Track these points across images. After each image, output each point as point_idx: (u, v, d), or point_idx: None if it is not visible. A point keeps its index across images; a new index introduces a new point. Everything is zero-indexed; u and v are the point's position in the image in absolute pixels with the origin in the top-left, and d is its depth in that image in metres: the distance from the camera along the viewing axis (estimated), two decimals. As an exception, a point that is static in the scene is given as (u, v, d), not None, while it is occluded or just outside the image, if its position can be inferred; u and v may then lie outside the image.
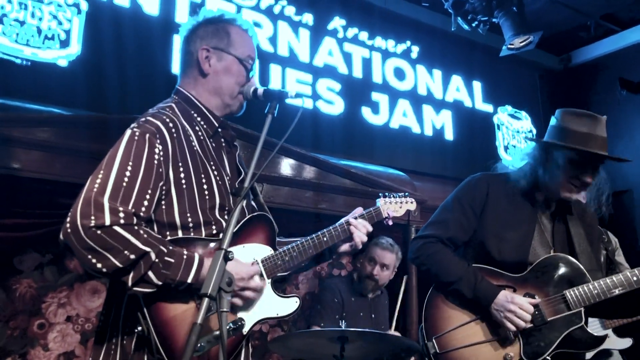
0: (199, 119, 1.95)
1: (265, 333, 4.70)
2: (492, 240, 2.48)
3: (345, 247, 2.15)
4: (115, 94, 4.12)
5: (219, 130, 2.00)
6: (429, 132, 6.15)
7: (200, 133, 1.93)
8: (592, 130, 2.37)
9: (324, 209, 4.52)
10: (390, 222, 2.25)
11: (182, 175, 1.81)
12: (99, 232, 1.56)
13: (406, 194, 2.34)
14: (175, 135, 1.82)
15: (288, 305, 1.95)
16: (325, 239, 2.07)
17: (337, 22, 5.76)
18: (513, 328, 2.32)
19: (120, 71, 4.22)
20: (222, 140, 2.02)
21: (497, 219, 2.49)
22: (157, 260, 1.63)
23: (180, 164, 1.81)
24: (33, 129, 3.48)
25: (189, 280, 1.66)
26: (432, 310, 2.48)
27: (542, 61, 7.34)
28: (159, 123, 1.79)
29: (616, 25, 6.63)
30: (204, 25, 2.01)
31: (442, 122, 6.30)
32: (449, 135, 6.32)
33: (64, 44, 4.08)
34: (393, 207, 2.27)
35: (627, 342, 3.95)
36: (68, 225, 1.56)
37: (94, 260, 1.56)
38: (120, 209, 1.61)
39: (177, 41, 4.50)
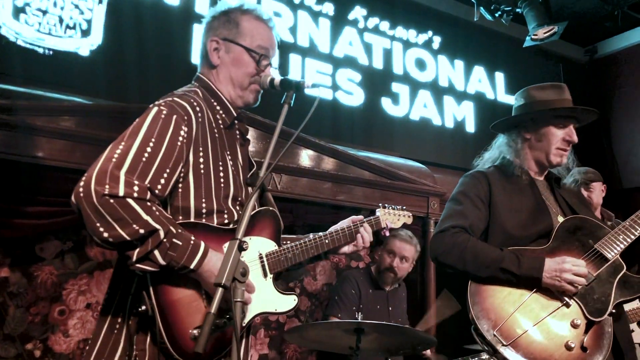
0: (218, 107, 1.95)
1: (282, 323, 4.71)
2: (512, 220, 2.46)
3: (346, 249, 2.21)
4: (135, 83, 4.15)
5: (235, 121, 2.00)
6: (449, 124, 6.09)
7: (220, 122, 1.94)
8: (560, 95, 2.56)
9: (343, 200, 4.50)
10: (387, 233, 2.32)
11: (201, 160, 1.81)
12: (111, 200, 1.54)
13: (403, 207, 2.41)
14: (200, 119, 1.82)
15: (287, 302, 1.96)
16: (327, 241, 2.11)
17: (357, 12, 5.71)
18: (573, 289, 2.27)
19: (140, 60, 4.25)
20: (237, 132, 2.03)
21: (507, 202, 2.51)
22: (164, 239, 1.61)
23: (201, 149, 1.81)
24: (55, 118, 3.52)
25: (192, 266, 1.65)
26: (481, 305, 2.32)
27: (566, 52, 7.21)
28: (186, 105, 1.79)
29: (644, 15, 6.48)
30: (218, 16, 2.01)
31: (464, 114, 6.23)
32: (470, 127, 6.25)
33: (85, 33, 4.10)
34: (391, 218, 2.33)
35: None
36: (81, 189, 1.55)
37: (101, 229, 1.54)
38: (136, 182, 1.60)
39: (197, 31, 4.50)
